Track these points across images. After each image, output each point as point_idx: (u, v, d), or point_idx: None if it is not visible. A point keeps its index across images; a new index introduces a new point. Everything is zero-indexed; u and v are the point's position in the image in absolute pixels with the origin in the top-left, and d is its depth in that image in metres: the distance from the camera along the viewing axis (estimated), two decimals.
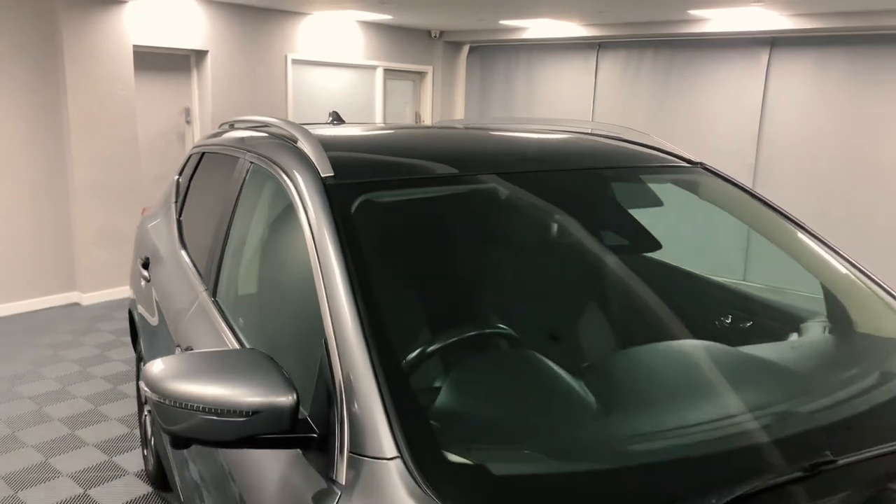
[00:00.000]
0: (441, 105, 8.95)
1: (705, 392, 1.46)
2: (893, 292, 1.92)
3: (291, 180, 1.71)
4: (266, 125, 2.28)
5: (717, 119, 7.17)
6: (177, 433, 1.24)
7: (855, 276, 1.96)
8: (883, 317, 1.87)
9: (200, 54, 6.60)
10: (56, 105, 5.57)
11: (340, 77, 7.91)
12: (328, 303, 1.37)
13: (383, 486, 1.10)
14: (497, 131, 2.39)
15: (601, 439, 1.31)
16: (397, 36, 8.27)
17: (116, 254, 5.88)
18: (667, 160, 2.25)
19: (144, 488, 3.18)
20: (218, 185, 2.37)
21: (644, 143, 2.39)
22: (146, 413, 3.15)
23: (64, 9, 5.38)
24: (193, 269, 2.33)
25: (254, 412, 1.20)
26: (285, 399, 1.22)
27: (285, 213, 1.75)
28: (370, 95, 8.26)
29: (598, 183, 2.12)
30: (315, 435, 1.27)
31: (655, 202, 2.16)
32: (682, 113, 7.39)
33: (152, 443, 3.06)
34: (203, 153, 2.77)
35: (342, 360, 1.27)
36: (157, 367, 1.26)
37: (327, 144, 1.85)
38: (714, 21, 6.59)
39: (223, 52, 6.66)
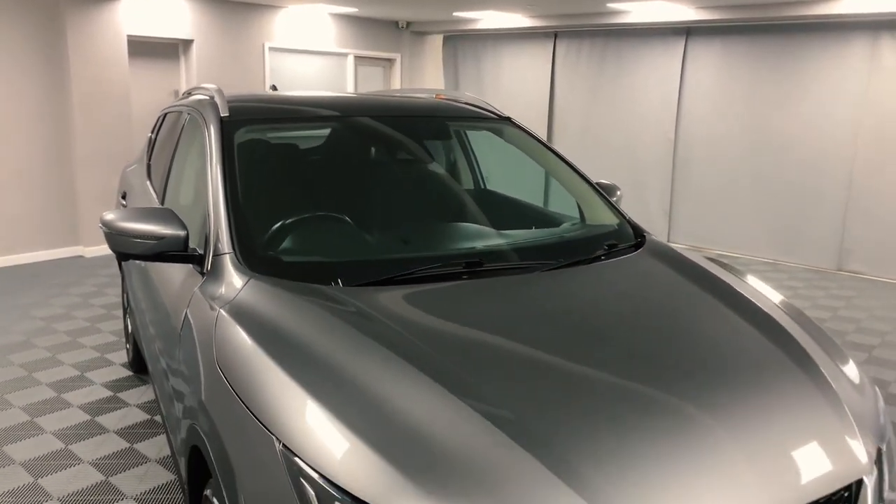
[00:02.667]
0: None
1: (445, 237, 2.46)
2: (610, 201, 2.89)
3: (205, 121, 2.68)
4: (204, 90, 3.25)
5: (643, 99, 8.09)
6: (120, 251, 2.21)
7: (593, 194, 2.92)
8: (600, 212, 2.83)
9: (187, 43, 7.58)
10: (61, 86, 6.57)
11: (314, 63, 8.87)
12: (211, 189, 2.34)
13: (223, 265, 2.08)
14: (389, 96, 3.39)
15: (362, 250, 2.31)
16: (366, 26, 9.22)
17: None
18: (487, 115, 3.20)
19: (127, 373, 4.19)
20: (171, 132, 3.35)
21: (478, 104, 3.34)
22: (126, 313, 4.15)
23: (68, 4, 6.37)
24: (152, 192, 3.32)
25: (161, 238, 2.18)
26: (181, 232, 2.19)
27: (201, 143, 2.72)
28: (342, 80, 9.22)
29: (437, 124, 3.12)
30: (198, 254, 2.24)
31: (448, 136, 3.15)
32: (616, 93, 8.32)
33: (132, 338, 4.05)
34: (166, 114, 3.75)
35: (214, 214, 2.25)
36: (109, 214, 2.23)
37: (237, 100, 2.82)
38: (634, 13, 7.50)
39: (207, 40, 7.63)
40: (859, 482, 1.58)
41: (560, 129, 8.89)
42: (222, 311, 1.89)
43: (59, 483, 3.03)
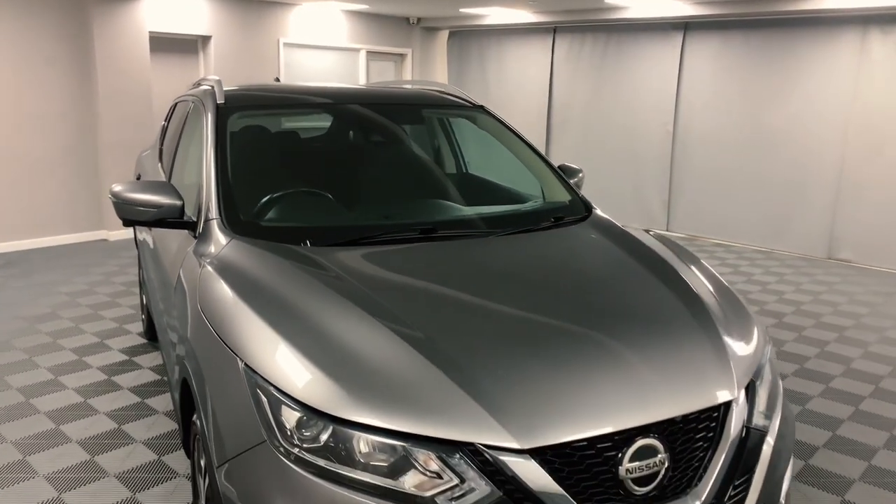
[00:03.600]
0: None
1: (412, 209, 2.80)
2: (567, 181, 3.19)
3: (205, 108, 3.03)
4: (208, 80, 3.61)
5: (642, 93, 8.33)
6: (125, 217, 2.57)
7: (552, 175, 3.22)
8: (556, 191, 3.14)
9: (205, 39, 7.99)
10: (88, 80, 7.01)
11: (327, 58, 9.23)
12: (205, 166, 2.69)
13: (211, 229, 2.44)
14: (377, 87, 3.75)
15: (332, 219, 2.65)
16: (378, 22, 9.56)
17: None
18: (463, 104, 3.52)
19: (142, 341, 4.59)
20: (179, 119, 3.72)
21: (456, 94, 3.66)
22: (141, 288, 4.54)
23: (94, 3, 6.81)
24: (161, 172, 3.69)
25: (160, 206, 2.53)
26: (177, 202, 2.55)
27: (201, 127, 3.08)
28: (354, 74, 9.58)
29: (413, 111, 3.45)
30: (192, 220, 2.59)
31: (423, 122, 3.48)
32: (615, 87, 8.56)
33: (147, 310, 4.44)
34: (176, 103, 4.12)
35: (206, 186, 2.60)
36: (118, 186, 2.60)
37: (236, 90, 3.18)
38: (633, 8, 7.74)
39: (225, 36, 8.03)
40: (728, 405, 1.88)
41: (559, 121, 9.16)
42: (207, 265, 2.24)
43: (77, 429, 3.42)
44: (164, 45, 7.78)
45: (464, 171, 3.94)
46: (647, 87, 8.27)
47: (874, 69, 6.72)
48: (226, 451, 1.80)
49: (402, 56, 10.13)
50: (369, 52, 9.61)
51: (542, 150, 9.31)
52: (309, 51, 8.99)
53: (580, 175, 3.44)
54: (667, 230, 8.43)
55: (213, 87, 3.15)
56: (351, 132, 3.27)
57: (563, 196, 3.09)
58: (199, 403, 1.98)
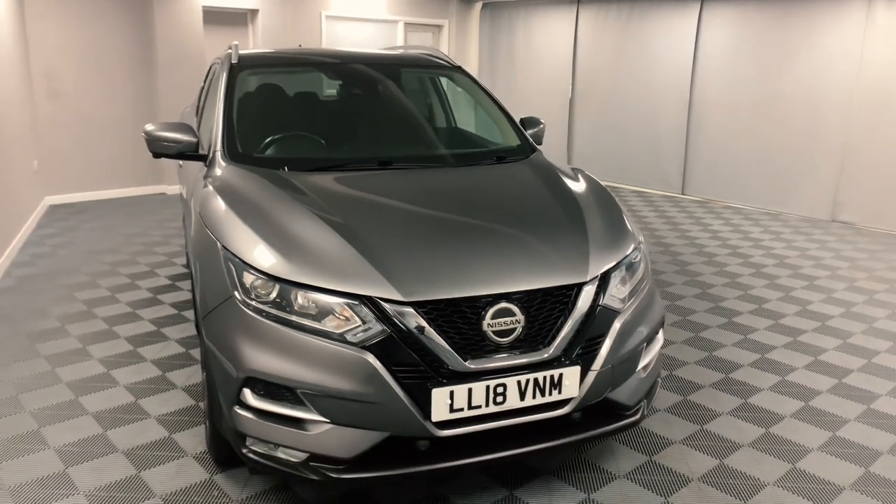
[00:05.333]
0: (456, 52, 10.77)
1: (381, 146, 3.45)
2: (523, 131, 3.77)
3: (223, 67, 3.73)
4: (232, 46, 4.31)
5: (660, 61, 8.68)
6: (154, 151, 3.30)
7: (510, 126, 3.79)
8: (510, 137, 3.72)
9: (254, 12, 8.75)
10: (148, 51, 7.88)
11: (366, 30, 9.89)
12: (216, 111, 3.39)
13: (215, 158, 3.14)
14: (373, 51, 4.39)
15: (309, 152, 3.32)
16: None
17: None
18: (444, 65, 4.12)
19: (185, 271, 5.41)
20: (210, 78, 4.46)
21: (439, 56, 4.26)
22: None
23: None
24: (196, 122, 4.44)
25: (180, 142, 3.25)
26: (193, 139, 3.26)
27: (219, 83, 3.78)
28: (393, 45, 10.20)
29: (397, 71, 4.07)
30: (205, 154, 3.30)
31: (398, 76, 4.09)
32: (636, 56, 8.93)
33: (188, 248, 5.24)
34: (212, 66, 4.86)
35: (215, 126, 3.30)
36: (149, 126, 3.32)
37: (251, 52, 3.88)
38: None
39: (271, 10, 8.77)
40: (580, 286, 2.47)
41: (582, 90, 9.57)
42: (209, 184, 2.95)
43: (126, 330, 4.24)
44: (217, 17, 8.58)
45: (453, 124, 4.55)
46: (666, 57, 8.61)
47: (878, 37, 6.92)
48: (208, 305, 2.50)
49: (439, 27, 10.69)
50: (407, 24, 10.21)
51: (566, 118, 9.79)
52: (349, 23, 9.66)
53: (541, 126, 4.00)
54: (682, 194, 8.81)
55: (231, 50, 3.85)
56: (339, 87, 3.93)
57: (514, 140, 3.67)
58: (194, 277, 2.69)
